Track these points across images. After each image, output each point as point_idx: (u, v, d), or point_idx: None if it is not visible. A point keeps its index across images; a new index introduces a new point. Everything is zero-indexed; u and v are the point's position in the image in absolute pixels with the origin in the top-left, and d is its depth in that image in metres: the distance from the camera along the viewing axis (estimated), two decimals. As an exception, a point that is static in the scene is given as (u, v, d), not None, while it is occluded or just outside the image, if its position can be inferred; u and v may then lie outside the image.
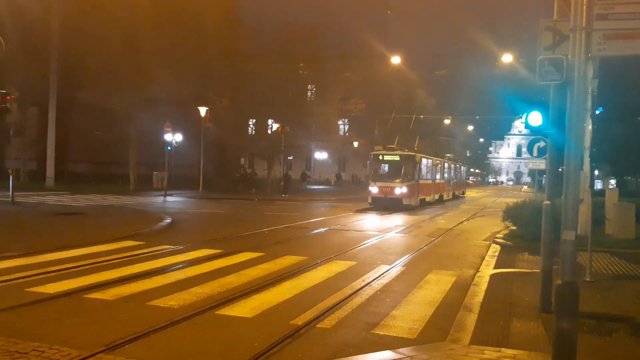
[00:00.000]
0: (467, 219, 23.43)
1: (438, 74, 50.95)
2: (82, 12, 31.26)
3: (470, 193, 55.48)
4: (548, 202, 7.66)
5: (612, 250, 12.97)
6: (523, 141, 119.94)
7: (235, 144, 39.01)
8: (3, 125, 36.89)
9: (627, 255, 12.40)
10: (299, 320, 6.84)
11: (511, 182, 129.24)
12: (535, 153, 10.96)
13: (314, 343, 6.11)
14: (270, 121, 42.20)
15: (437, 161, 34.75)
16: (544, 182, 14.79)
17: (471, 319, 6.94)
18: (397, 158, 27.68)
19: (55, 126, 36.67)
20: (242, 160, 53.59)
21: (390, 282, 9.53)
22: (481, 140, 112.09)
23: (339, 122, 51.22)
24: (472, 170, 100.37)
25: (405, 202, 26.23)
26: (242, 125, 39.93)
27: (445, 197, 36.87)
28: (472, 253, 13.48)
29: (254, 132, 42.91)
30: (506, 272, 10.36)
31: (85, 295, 7.72)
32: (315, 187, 52.17)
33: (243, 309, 7.29)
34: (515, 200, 18.46)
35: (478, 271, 10.53)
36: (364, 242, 14.53)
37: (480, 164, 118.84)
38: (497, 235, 15.94)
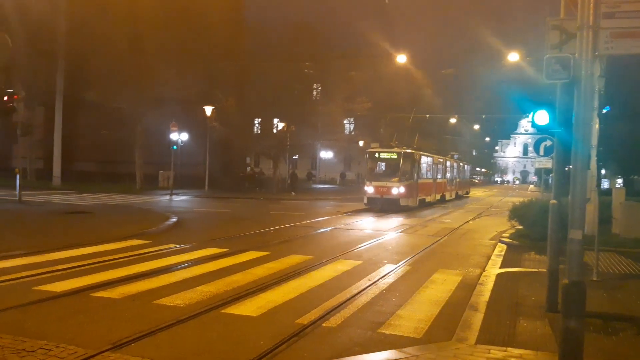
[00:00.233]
0: (473, 219, 23.36)
1: (444, 72, 50.73)
2: (88, 11, 31.39)
3: (476, 192, 55.33)
4: (555, 201, 7.62)
5: (619, 250, 12.90)
6: (529, 140, 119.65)
7: (241, 143, 39.04)
8: (10, 124, 37.04)
9: (634, 255, 12.33)
10: (305, 319, 6.84)
11: (517, 182, 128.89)
12: (541, 152, 10.93)
13: (320, 342, 6.11)
14: (275, 120, 42.18)
15: (439, 159, 33.44)
16: (550, 181, 14.72)
17: (477, 319, 6.93)
18: (394, 156, 26.16)
19: (62, 125, 36.85)
20: (248, 160, 53.67)
21: (396, 282, 9.52)
22: (487, 139, 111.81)
23: (345, 121, 51.03)
24: (477, 169, 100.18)
25: (402, 202, 24.91)
26: (247, 125, 40.02)
27: (447, 197, 35.71)
28: (478, 252, 13.45)
29: (259, 131, 42.95)
30: (512, 272, 10.32)
31: (91, 294, 7.75)
32: (321, 186, 52.23)
33: (249, 308, 7.30)
34: (521, 199, 18.39)
35: (484, 270, 10.51)
36: (369, 241, 14.52)
37: (487, 163, 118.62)
38: (504, 235, 15.89)
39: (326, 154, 58.83)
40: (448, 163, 36.89)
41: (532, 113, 6.36)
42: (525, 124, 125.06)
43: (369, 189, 25.32)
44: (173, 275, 9.27)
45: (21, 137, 25.24)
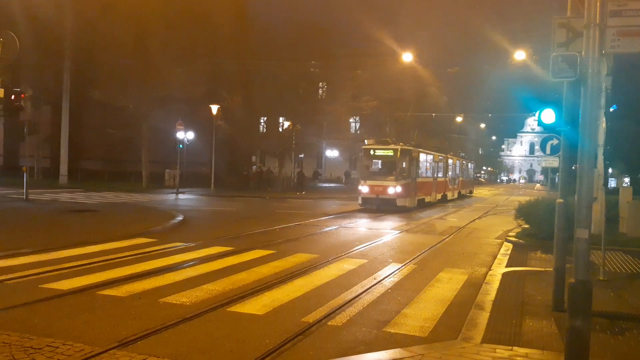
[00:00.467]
0: (479, 217, 23.29)
1: (450, 71, 50.59)
2: (95, 11, 31.55)
3: (482, 191, 55.16)
4: (561, 200, 7.60)
5: (626, 249, 12.84)
6: (536, 139, 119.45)
7: (247, 142, 39.13)
8: (17, 123, 37.33)
9: (642, 254, 12.28)
10: (310, 318, 6.85)
11: (523, 180, 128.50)
12: (548, 151, 10.91)
13: (325, 340, 6.11)
14: (281, 119, 42.20)
15: (439, 157, 31.62)
16: (557, 180, 14.69)
17: (483, 318, 6.91)
18: (390, 153, 24.31)
19: (69, 124, 37.06)
20: (254, 158, 53.76)
21: (402, 280, 9.51)
22: (493, 138, 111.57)
23: (350, 120, 50.92)
24: (483, 167, 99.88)
25: (399, 202, 23.43)
26: (253, 123, 40.07)
27: (449, 197, 34.08)
28: (484, 251, 13.41)
29: (265, 130, 42.96)
30: (518, 271, 10.29)
31: (98, 292, 7.79)
32: (326, 185, 52.27)
33: (254, 306, 7.32)
34: (527, 198, 18.32)
35: (490, 269, 10.48)
36: (376, 240, 14.51)
37: (493, 162, 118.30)
38: (510, 234, 15.85)
39: (332, 153, 58.84)
40: (450, 161, 35.14)
41: (538, 111, 6.35)
42: (531, 123, 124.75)
43: (364, 188, 23.98)
44: (179, 273, 9.30)
45: (28, 135, 25.44)
